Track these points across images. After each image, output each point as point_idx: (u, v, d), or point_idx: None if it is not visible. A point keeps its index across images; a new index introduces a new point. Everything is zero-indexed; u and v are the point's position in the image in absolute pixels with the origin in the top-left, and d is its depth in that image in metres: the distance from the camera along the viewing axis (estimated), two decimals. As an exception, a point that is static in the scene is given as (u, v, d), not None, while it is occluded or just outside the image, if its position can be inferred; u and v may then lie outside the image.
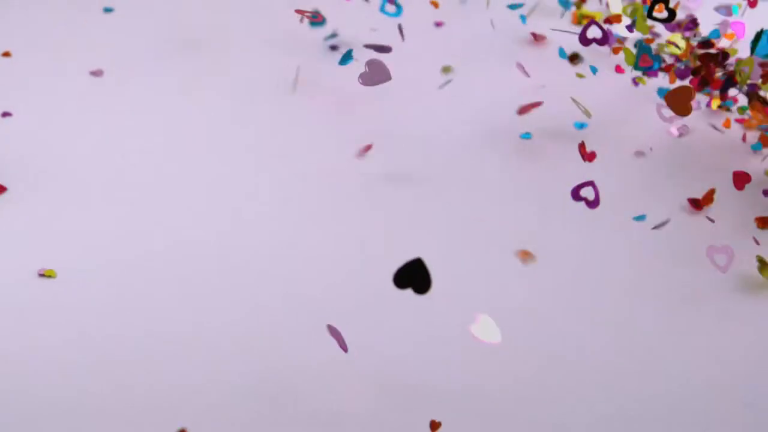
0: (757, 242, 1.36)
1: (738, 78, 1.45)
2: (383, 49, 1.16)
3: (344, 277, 1.33)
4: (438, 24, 1.94)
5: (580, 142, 1.24)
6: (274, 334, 1.24)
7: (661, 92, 1.66)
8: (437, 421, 1.10)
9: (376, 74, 1.09)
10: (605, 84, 1.70)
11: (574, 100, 1.35)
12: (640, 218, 1.42)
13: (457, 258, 1.37)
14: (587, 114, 1.32)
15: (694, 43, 1.56)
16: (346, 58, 1.34)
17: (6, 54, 1.81)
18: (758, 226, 1.44)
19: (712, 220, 1.38)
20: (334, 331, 1.05)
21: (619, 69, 1.67)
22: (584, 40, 1.17)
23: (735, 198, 1.47)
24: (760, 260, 1.33)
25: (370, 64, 1.08)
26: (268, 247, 1.38)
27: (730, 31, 1.54)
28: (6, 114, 1.65)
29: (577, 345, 1.24)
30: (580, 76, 1.64)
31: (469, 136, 1.62)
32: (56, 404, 1.14)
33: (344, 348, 1.05)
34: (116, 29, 1.90)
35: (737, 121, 1.63)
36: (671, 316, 1.29)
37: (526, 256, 1.23)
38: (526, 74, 1.25)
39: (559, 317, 1.28)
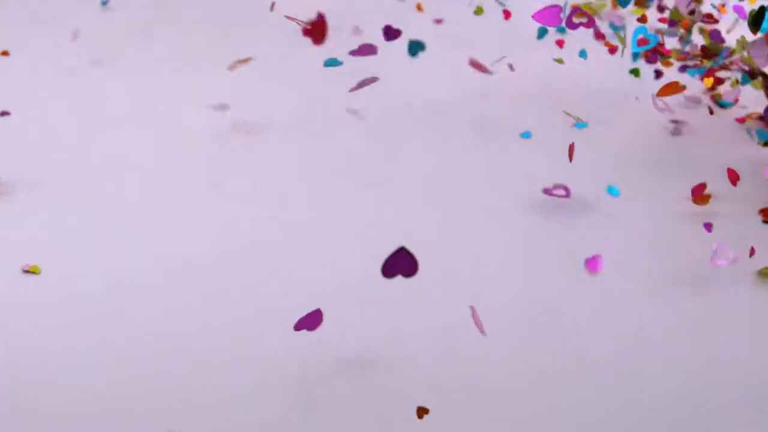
0: (752, 252, 1.35)
1: (742, 57, 1.46)
2: (370, 50, 1.18)
3: (338, 271, 1.34)
4: (438, 21, 1.94)
5: (571, 143, 1.24)
6: (272, 333, 1.24)
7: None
8: (424, 407, 1.10)
9: (365, 81, 1.15)
10: (601, 72, 1.70)
11: (566, 112, 1.38)
12: (613, 192, 1.41)
13: (448, 247, 1.36)
14: (581, 121, 1.34)
15: (697, 17, 1.55)
16: (335, 62, 1.37)
17: (5, 53, 1.82)
18: (764, 220, 1.42)
19: (711, 226, 1.37)
20: (302, 324, 1.06)
21: (611, 51, 1.66)
22: (570, 24, 1.18)
23: (736, 189, 1.46)
24: (762, 272, 1.32)
25: (360, 80, 1.15)
26: (265, 245, 1.39)
27: (724, 6, 1.54)
28: (5, 113, 1.65)
29: (574, 341, 1.23)
30: (558, 61, 1.64)
31: (468, 132, 1.62)
32: (53, 404, 1.14)
33: (312, 326, 1.06)
34: (115, 24, 1.91)
35: (737, 120, 1.63)
36: (672, 315, 1.28)
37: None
38: (486, 71, 1.25)
39: (556, 313, 1.27)
